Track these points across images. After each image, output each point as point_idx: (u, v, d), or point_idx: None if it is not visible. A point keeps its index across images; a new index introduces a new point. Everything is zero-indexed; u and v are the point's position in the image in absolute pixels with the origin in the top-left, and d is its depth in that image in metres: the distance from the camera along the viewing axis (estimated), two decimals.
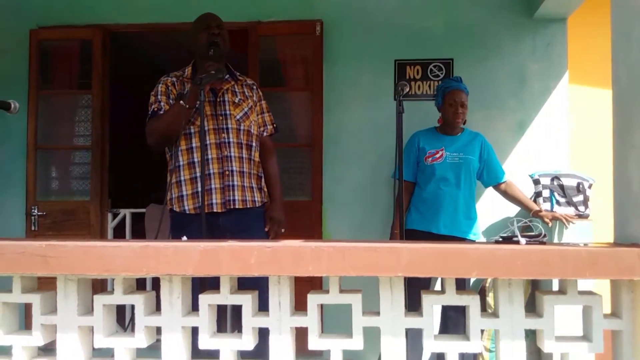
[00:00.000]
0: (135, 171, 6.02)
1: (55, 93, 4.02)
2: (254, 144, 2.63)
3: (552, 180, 3.30)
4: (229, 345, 1.50)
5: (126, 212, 4.01)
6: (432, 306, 1.42)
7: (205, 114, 2.47)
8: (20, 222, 3.87)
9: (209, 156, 2.51)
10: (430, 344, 1.41)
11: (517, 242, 1.42)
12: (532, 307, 1.44)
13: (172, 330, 1.51)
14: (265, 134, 2.73)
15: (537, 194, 3.32)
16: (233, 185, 2.53)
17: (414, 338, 1.56)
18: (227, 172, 2.52)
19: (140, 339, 1.53)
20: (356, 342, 1.44)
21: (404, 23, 3.59)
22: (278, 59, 3.84)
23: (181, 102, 2.41)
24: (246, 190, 2.57)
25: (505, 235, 1.48)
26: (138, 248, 1.47)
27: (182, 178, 2.54)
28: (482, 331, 2.93)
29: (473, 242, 3.14)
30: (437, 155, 3.12)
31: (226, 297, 1.51)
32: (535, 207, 3.21)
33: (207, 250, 1.44)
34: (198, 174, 2.48)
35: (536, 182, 3.34)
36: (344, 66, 3.60)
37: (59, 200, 3.95)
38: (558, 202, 3.25)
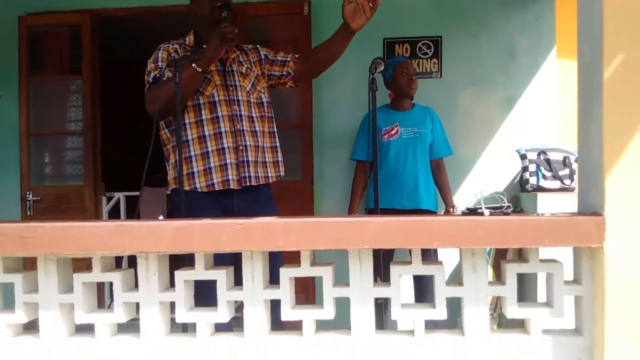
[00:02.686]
0: (131, 154, 6.06)
1: (46, 79, 4.04)
2: (266, 114, 2.51)
3: (539, 154, 3.32)
4: (204, 319, 1.54)
5: (120, 196, 4.06)
6: (400, 276, 1.46)
7: (214, 84, 2.38)
8: (16, 208, 3.93)
9: (222, 129, 2.37)
10: (397, 312, 1.45)
11: (482, 214, 1.45)
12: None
13: (150, 305, 1.56)
14: (293, 60, 2.54)
15: (524, 169, 3.34)
16: (247, 161, 2.41)
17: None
18: (241, 147, 2.39)
19: (119, 314, 1.57)
20: (327, 312, 1.49)
21: (392, 1, 3.59)
22: (267, 40, 3.85)
23: (193, 65, 2.24)
24: (259, 166, 2.46)
25: (471, 207, 1.51)
26: (113, 227, 1.51)
27: (192, 153, 2.38)
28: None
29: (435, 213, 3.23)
30: (393, 132, 3.20)
31: (201, 272, 1.55)
32: (449, 203, 3.30)
33: (180, 227, 1.48)
34: (210, 149, 2.37)
35: (523, 157, 3.36)
36: None
37: (53, 185, 4.00)
38: (544, 177, 3.28)
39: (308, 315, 1.50)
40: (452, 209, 3.28)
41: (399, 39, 3.64)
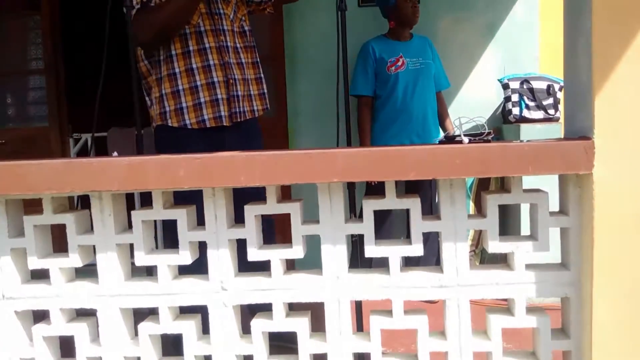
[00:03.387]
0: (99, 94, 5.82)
1: (2, 15, 3.78)
2: (249, 44, 2.38)
3: (522, 83, 3.21)
4: (165, 261, 1.44)
5: (88, 137, 3.88)
6: (373, 211, 1.36)
7: (200, 12, 2.20)
8: None
9: (211, 62, 2.22)
10: (371, 250, 1.36)
11: (460, 142, 1.34)
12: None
13: (106, 248, 1.45)
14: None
15: (507, 99, 3.23)
16: (238, 96, 2.28)
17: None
18: (231, 81, 2.26)
19: (75, 259, 1.47)
20: (296, 251, 1.39)
21: None
22: None
23: None
24: (246, 100, 2.35)
25: (450, 135, 1.40)
26: (61, 164, 1.38)
27: (180, 87, 2.22)
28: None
29: None
30: (399, 64, 3.03)
31: (159, 212, 1.44)
32: (449, 131, 3.19)
33: (133, 163, 1.35)
34: (199, 82, 2.21)
35: (505, 86, 3.24)
36: None
37: (18, 127, 3.83)
38: (527, 106, 3.17)
39: (276, 255, 1.40)
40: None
41: None
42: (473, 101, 3.44)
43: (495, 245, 1.33)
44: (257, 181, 1.31)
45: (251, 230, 1.40)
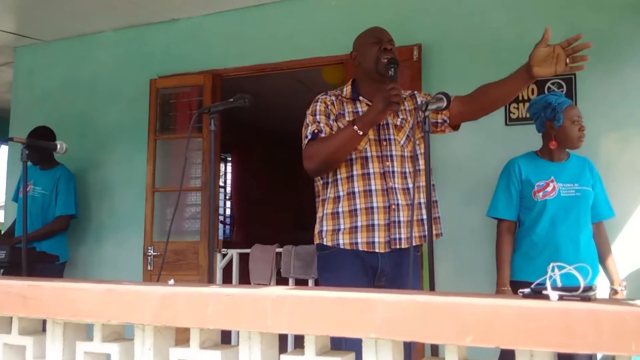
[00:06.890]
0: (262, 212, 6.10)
1: (171, 137, 4.20)
2: (419, 167, 2.33)
3: None
4: None
5: (233, 253, 4.00)
6: None
7: (368, 138, 2.26)
8: (139, 261, 4.06)
9: (372, 187, 2.24)
10: None
11: (547, 297, 1.01)
12: None
13: None
14: (447, 105, 2.18)
15: None
16: (399, 222, 2.24)
17: None
18: (393, 207, 2.23)
19: None
20: None
21: (513, 38, 3.16)
22: None
23: (355, 127, 2.14)
24: (414, 225, 2.28)
25: (539, 286, 1.07)
26: (103, 292, 1.33)
27: (341, 210, 2.26)
28: None
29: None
30: (549, 189, 2.57)
31: (196, 352, 1.29)
32: (615, 279, 2.62)
33: (165, 296, 1.24)
34: (359, 206, 2.24)
35: None
36: (446, 90, 3.24)
37: (172, 240, 4.07)
38: None
39: None
40: (620, 289, 2.59)
41: None
42: None
43: None
44: (285, 328, 1.11)
45: None
